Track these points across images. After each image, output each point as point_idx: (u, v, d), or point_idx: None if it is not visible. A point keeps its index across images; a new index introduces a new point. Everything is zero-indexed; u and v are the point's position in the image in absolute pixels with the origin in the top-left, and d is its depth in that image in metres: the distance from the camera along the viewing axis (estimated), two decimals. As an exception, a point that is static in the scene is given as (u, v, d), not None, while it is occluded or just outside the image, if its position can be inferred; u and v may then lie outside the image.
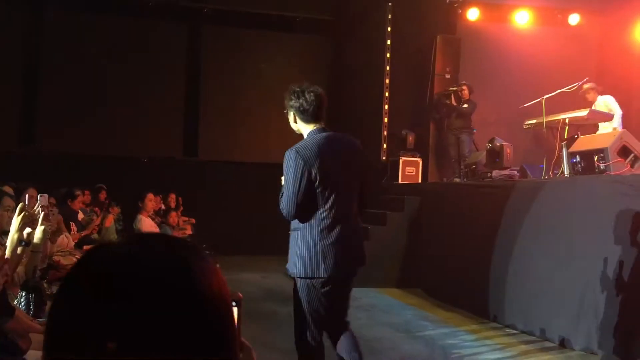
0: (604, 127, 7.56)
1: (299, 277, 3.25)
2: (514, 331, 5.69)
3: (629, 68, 8.66)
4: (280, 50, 12.23)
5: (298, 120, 3.31)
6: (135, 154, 11.39)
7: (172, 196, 9.65)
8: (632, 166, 5.37)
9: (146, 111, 11.49)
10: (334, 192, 3.20)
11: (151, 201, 7.06)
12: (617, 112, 7.83)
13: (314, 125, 3.29)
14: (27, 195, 3.20)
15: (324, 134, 3.28)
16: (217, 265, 0.74)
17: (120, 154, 11.16)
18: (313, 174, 3.16)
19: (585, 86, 7.96)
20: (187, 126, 12.20)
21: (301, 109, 3.27)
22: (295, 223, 3.27)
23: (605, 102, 7.87)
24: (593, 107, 7.77)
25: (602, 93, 8.02)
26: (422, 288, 7.73)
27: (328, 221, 3.20)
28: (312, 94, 3.29)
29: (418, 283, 7.83)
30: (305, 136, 3.31)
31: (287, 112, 3.35)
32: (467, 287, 6.63)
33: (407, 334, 5.73)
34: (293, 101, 3.29)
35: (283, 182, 3.23)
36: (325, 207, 3.20)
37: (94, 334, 0.63)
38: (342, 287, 3.33)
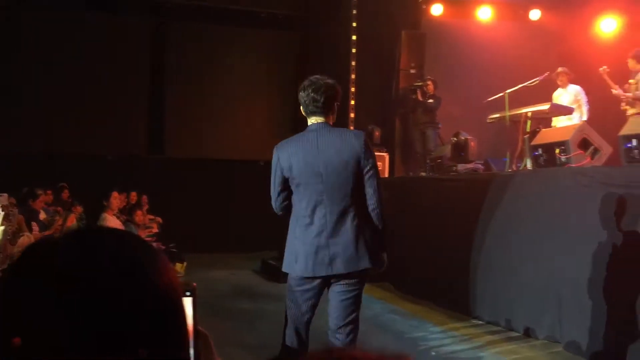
0: (560, 120, 7.74)
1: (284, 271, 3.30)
2: (480, 322, 5.79)
3: (588, 62, 8.86)
4: (247, 45, 12.14)
5: (303, 113, 3.27)
6: (99, 152, 11.18)
7: (133, 194, 9.47)
8: (592, 158, 5.51)
9: (110, 108, 11.26)
10: (312, 190, 3.14)
11: (116, 199, 6.95)
12: (585, 104, 8.07)
13: (316, 118, 3.21)
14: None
15: (315, 129, 3.19)
16: (165, 257, 0.74)
17: (83, 152, 10.94)
18: (286, 169, 3.17)
19: (559, 69, 8.15)
20: (153, 123, 12.02)
21: (303, 101, 3.22)
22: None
23: (576, 92, 8.10)
24: (563, 94, 8.01)
25: (572, 81, 8.23)
26: (390, 282, 7.78)
27: (306, 220, 3.16)
28: (313, 85, 3.21)
29: (386, 277, 7.88)
30: None
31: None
32: (435, 280, 6.71)
33: (376, 327, 5.77)
34: (299, 93, 3.25)
35: None
36: (303, 204, 3.17)
37: (38, 325, 0.62)
38: (318, 290, 3.19)
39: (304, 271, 3.16)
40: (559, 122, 7.77)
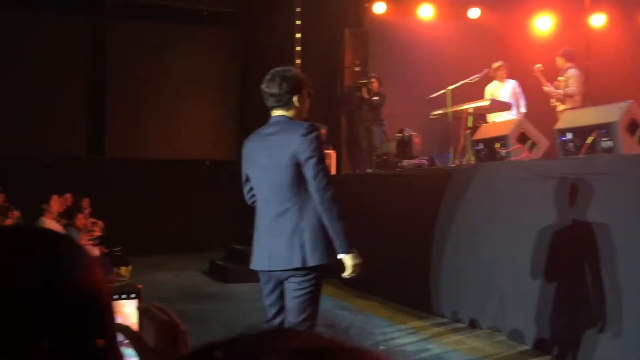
0: (497, 116, 7.97)
1: None
2: (427, 314, 5.89)
3: (526, 60, 9.14)
4: (189, 43, 11.94)
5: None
6: (36, 154, 10.77)
7: (68, 196, 9.10)
8: (530, 151, 5.68)
9: (47, 109, 10.86)
10: (261, 186, 3.18)
11: (56, 203, 6.72)
12: (522, 97, 8.35)
13: (276, 111, 3.14)
14: None
15: (272, 123, 3.14)
16: (90, 255, 0.74)
17: (19, 155, 10.51)
18: (245, 164, 3.25)
19: (495, 65, 8.37)
20: (92, 124, 11.67)
21: (262, 93, 3.14)
22: None
23: (513, 86, 8.35)
24: (500, 87, 8.25)
25: (509, 76, 8.48)
26: (338, 279, 7.82)
27: (260, 215, 3.22)
28: (268, 80, 3.12)
29: (334, 274, 7.91)
30: None
31: None
32: (382, 276, 6.77)
33: (324, 323, 5.79)
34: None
35: None
36: (258, 199, 3.24)
37: None
38: (273, 287, 3.19)
39: (254, 264, 3.22)
40: (496, 117, 8.00)
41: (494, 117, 8.06)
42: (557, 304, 4.45)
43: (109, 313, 0.72)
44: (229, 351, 0.52)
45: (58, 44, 10.99)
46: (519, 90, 8.44)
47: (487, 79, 8.52)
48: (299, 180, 3.06)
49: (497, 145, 5.63)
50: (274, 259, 3.10)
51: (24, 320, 0.64)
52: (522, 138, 5.74)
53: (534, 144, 5.75)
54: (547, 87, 8.06)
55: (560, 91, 7.94)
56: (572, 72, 7.95)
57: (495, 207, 5.13)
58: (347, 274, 3.16)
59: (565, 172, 4.49)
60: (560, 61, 8.06)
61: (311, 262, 3.05)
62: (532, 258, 4.64)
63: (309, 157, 3.01)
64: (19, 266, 0.66)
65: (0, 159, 10.18)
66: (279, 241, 3.07)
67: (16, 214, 7.89)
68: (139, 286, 0.86)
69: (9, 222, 7.51)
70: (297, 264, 3.04)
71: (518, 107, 8.32)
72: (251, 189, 3.27)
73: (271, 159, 3.10)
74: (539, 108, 8.38)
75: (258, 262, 3.20)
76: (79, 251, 0.72)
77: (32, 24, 10.82)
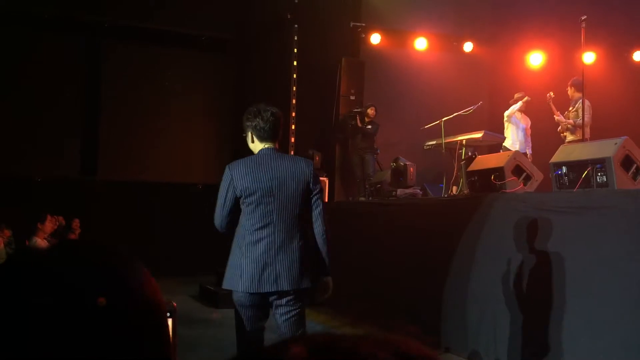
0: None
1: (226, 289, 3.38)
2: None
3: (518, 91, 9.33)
4: (186, 68, 12.03)
5: (255, 139, 3.35)
6: (27, 174, 10.71)
7: (60, 218, 9.04)
8: (524, 184, 5.76)
9: (40, 129, 10.85)
10: (263, 209, 3.24)
11: (50, 222, 6.68)
12: (522, 127, 8.58)
13: (267, 144, 3.33)
14: None
15: (266, 153, 3.31)
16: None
17: (9, 174, 10.45)
18: (239, 188, 3.25)
19: (527, 98, 8.61)
20: (85, 144, 11.65)
21: (258, 127, 3.31)
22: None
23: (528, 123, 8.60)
24: (521, 118, 8.44)
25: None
26: (330, 306, 7.79)
27: (254, 237, 3.24)
28: (268, 112, 3.33)
29: (326, 301, 7.88)
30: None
31: (245, 134, 3.38)
32: (375, 304, 6.76)
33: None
34: (250, 121, 3.33)
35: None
36: (251, 222, 3.26)
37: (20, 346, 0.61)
38: (263, 308, 3.30)
39: (250, 287, 3.22)
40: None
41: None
42: (548, 334, 4.47)
43: (166, 325, 0.71)
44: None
45: (54, 64, 11.02)
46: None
47: (480, 111, 8.67)
48: (304, 206, 3.32)
49: (492, 177, 5.70)
50: (282, 280, 3.22)
51: (88, 331, 0.63)
52: (517, 171, 5.82)
53: (528, 177, 5.83)
54: (557, 117, 8.05)
55: (570, 121, 7.92)
56: (585, 103, 7.54)
57: (489, 238, 5.18)
58: (328, 294, 3.46)
59: (559, 205, 4.56)
60: (570, 91, 7.98)
61: (311, 282, 3.33)
62: (527, 288, 4.67)
63: (317, 187, 3.37)
64: (83, 276, 0.66)
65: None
66: (289, 262, 3.25)
67: (7, 232, 7.83)
68: (174, 304, 0.87)
69: (0, 241, 7.45)
70: (309, 284, 3.30)
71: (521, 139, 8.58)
72: (233, 215, 3.30)
73: (280, 185, 3.26)
74: (546, 138, 8.42)
75: (262, 284, 3.21)
76: (137, 263, 0.71)
77: (28, 43, 10.86)
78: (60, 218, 8.94)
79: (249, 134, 3.35)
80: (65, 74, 11.24)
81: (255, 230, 3.24)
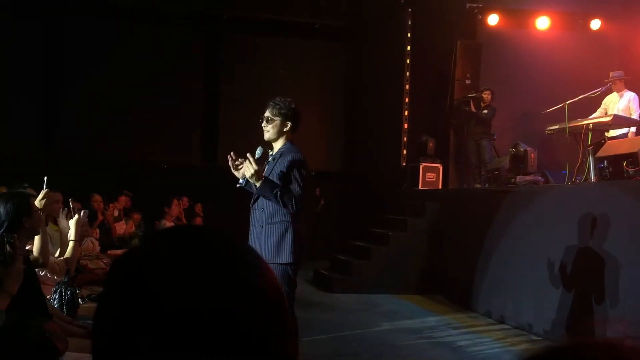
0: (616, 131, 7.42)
1: None
2: (524, 332, 5.62)
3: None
4: (300, 56, 12.25)
5: (286, 129, 3.68)
6: (155, 161, 11.44)
7: (185, 200, 9.55)
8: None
9: (167, 118, 11.54)
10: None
11: (177, 206, 7.09)
12: (636, 114, 7.74)
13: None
14: (76, 207, 3.51)
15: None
16: None
17: (140, 160, 11.22)
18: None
19: (615, 73, 7.87)
20: (206, 133, 12.25)
21: (296, 119, 3.70)
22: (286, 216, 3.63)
23: (631, 98, 7.78)
24: (617, 99, 7.73)
25: (628, 87, 7.91)
26: (443, 294, 7.66)
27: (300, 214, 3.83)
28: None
29: (439, 289, 7.77)
30: (283, 143, 3.74)
31: (273, 119, 3.65)
32: (489, 293, 6.57)
33: (430, 340, 5.69)
34: (290, 112, 3.69)
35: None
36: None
37: (147, 337, 0.60)
38: None
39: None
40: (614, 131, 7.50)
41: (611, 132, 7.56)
42: None
43: (288, 317, 0.67)
44: None
45: (177, 58, 11.66)
46: (633, 104, 7.81)
47: (607, 91, 8.05)
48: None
49: (625, 163, 5.30)
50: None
51: (214, 325, 0.60)
52: (652, 156, 5.37)
53: (664, 163, 5.36)
54: None
55: None
56: None
57: (620, 228, 4.82)
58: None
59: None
60: None
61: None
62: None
63: (288, 172, 3.84)
64: (208, 269, 0.63)
65: (125, 164, 10.92)
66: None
67: (137, 216, 8.39)
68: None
69: (130, 224, 8.01)
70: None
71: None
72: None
73: None
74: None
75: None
76: (256, 253, 0.69)
77: (153, 37, 11.56)
78: (185, 200, 9.48)
79: (281, 123, 3.67)
80: (187, 67, 11.85)
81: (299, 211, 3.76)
